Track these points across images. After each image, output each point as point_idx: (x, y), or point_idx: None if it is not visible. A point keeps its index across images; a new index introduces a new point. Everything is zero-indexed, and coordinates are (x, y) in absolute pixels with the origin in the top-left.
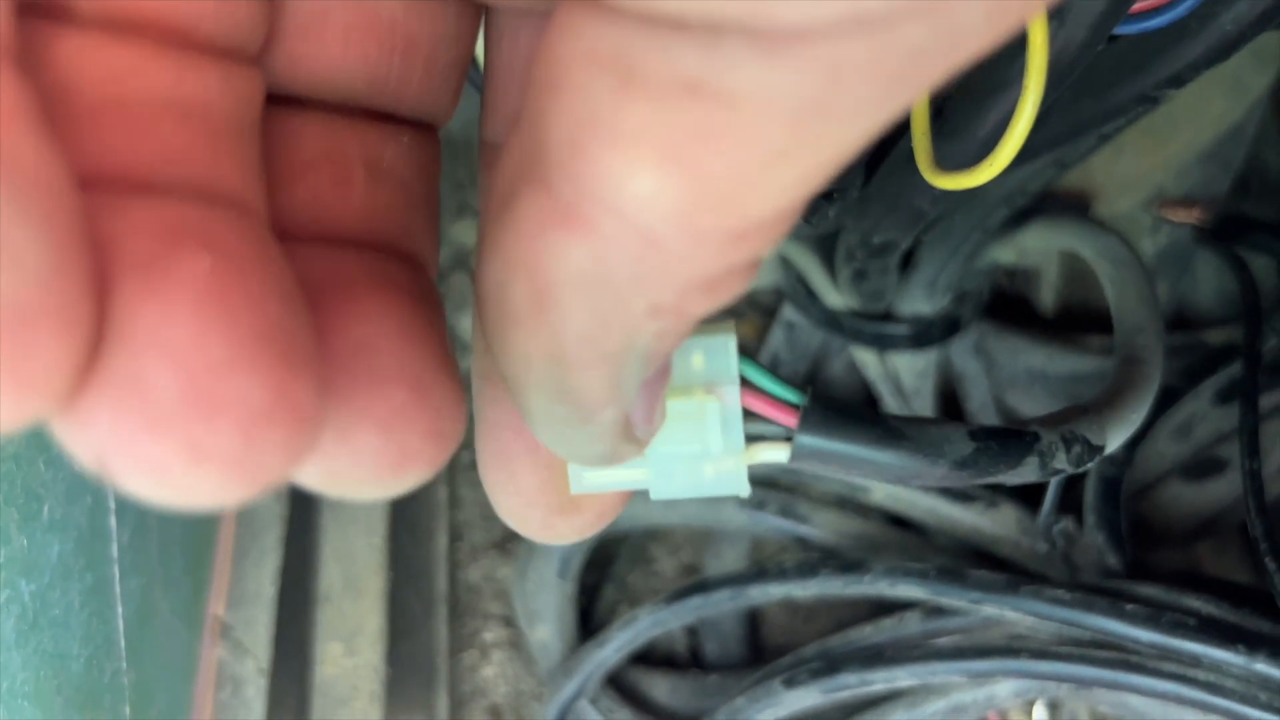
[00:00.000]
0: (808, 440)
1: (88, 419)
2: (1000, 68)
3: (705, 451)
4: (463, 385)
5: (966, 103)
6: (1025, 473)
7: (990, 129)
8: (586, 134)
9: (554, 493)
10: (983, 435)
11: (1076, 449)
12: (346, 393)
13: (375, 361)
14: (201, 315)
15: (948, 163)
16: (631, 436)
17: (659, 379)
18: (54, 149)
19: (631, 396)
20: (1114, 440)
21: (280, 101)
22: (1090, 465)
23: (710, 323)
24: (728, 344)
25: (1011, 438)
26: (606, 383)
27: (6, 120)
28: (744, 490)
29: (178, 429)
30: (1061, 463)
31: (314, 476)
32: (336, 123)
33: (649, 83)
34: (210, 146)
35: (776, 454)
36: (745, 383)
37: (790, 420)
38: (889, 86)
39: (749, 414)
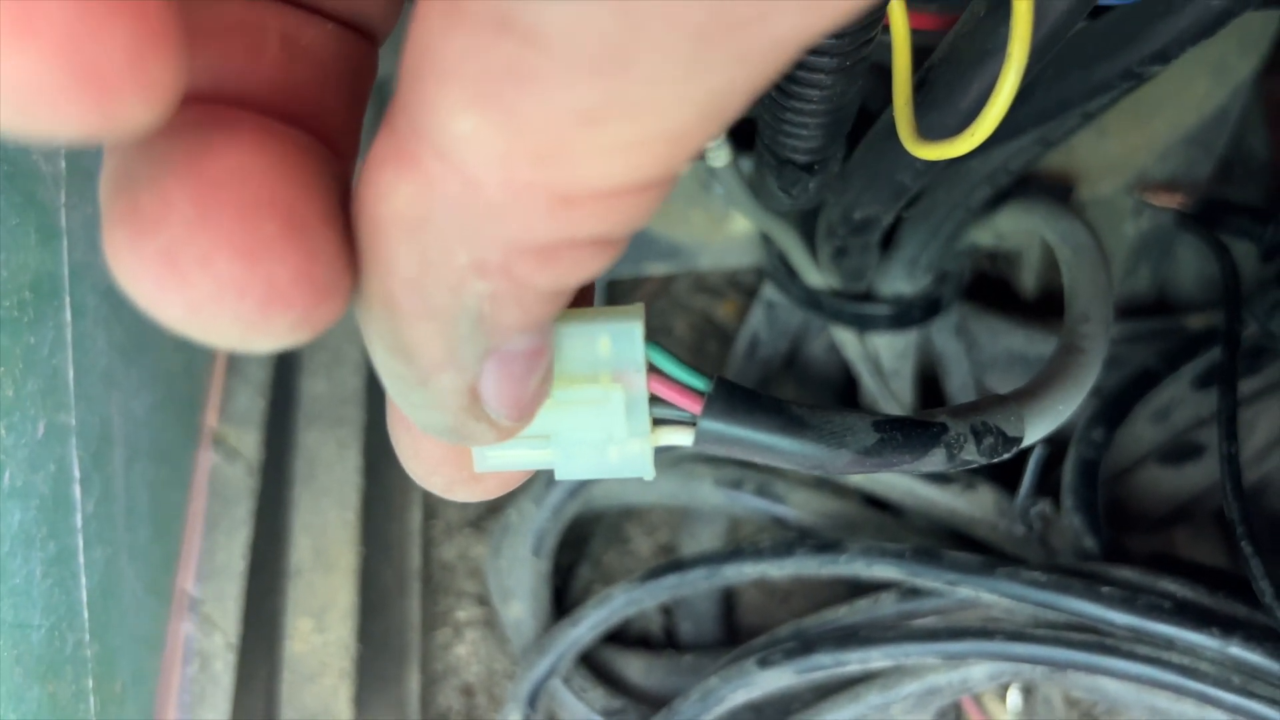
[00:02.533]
0: (711, 425)
1: None
2: (983, 37)
3: (610, 437)
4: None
5: (949, 73)
6: (932, 462)
7: (973, 99)
8: (418, 67)
9: (456, 464)
10: (887, 426)
11: (989, 440)
12: (212, 217)
13: (244, 188)
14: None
15: (930, 134)
16: (481, 414)
17: (523, 360)
18: None
19: (471, 365)
20: (1035, 432)
21: None
22: (1006, 456)
23: (620, 307)
24: (634, 330)
25: (916, 428)
26: (438, 341)
27: None
28: (649, 473)
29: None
30: (971, 454)
31: (177, 308)
32: (255, 3)
33: (468, 16)
34: None
35: (681, 437)
36: (652, 368)
37: (695, 407)
38: (696, 50)
39: (655, 398)
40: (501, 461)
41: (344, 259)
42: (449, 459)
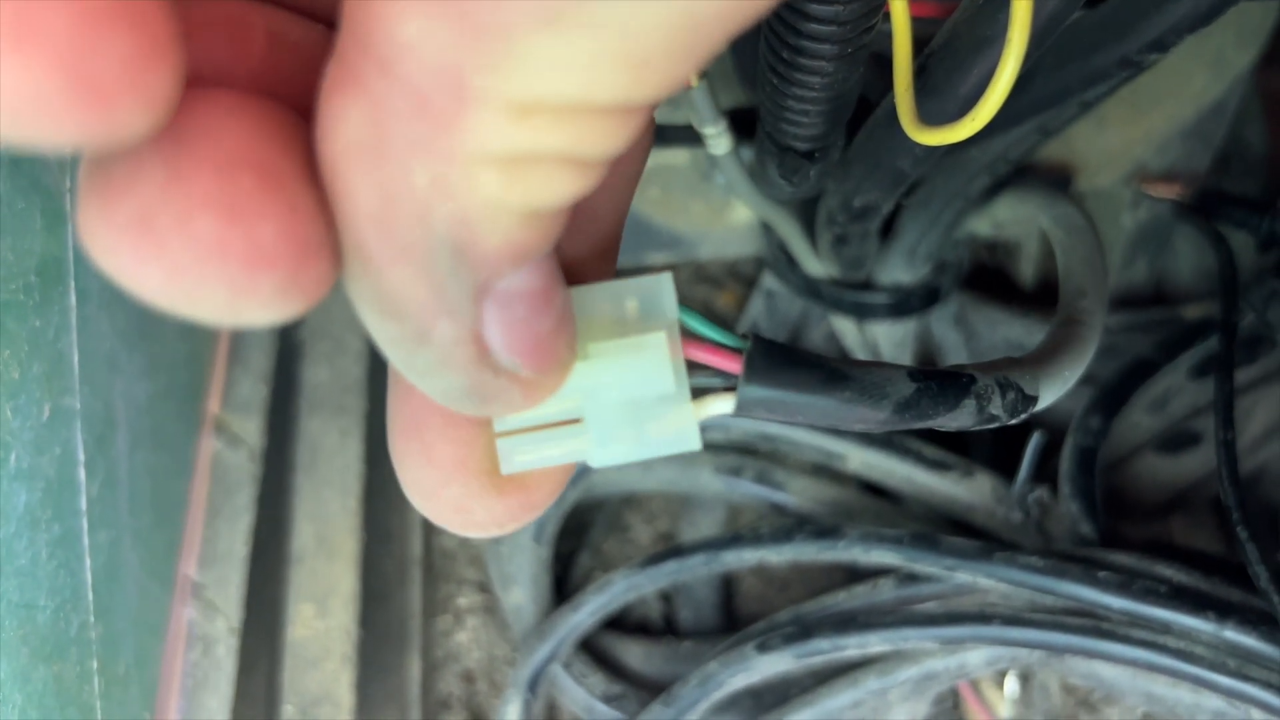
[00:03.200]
0: (753, 390)
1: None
2: (983, 23)
3: (653, 399)
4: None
5: (949, 60)
6: (962, 416)
7: (973, 86)
8: None
9: (473, 471)
10: (921, 376)
11: (1011, 395)
12: (186, 176)
13: (220, 146)
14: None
15: (930, 120)
16: (497, 368)
17: (526, 300)
18: None
19: (465, 307)
20: (1047, 394)
21: None
22: (1024, 415)
23: (648, 274)
24: (664, 285)
25: (950, 380)
26: (421, 283)
27: None
28: (695, 444)
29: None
30: (997, 408)
31: (155, 277)
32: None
33: None
34: None
35: (723, 404)
36: (686, 333)
37: (734, 367)
38: None
39: (689, 365)
40: (532, 458)
41: (328, 219)
42: (466, 462)
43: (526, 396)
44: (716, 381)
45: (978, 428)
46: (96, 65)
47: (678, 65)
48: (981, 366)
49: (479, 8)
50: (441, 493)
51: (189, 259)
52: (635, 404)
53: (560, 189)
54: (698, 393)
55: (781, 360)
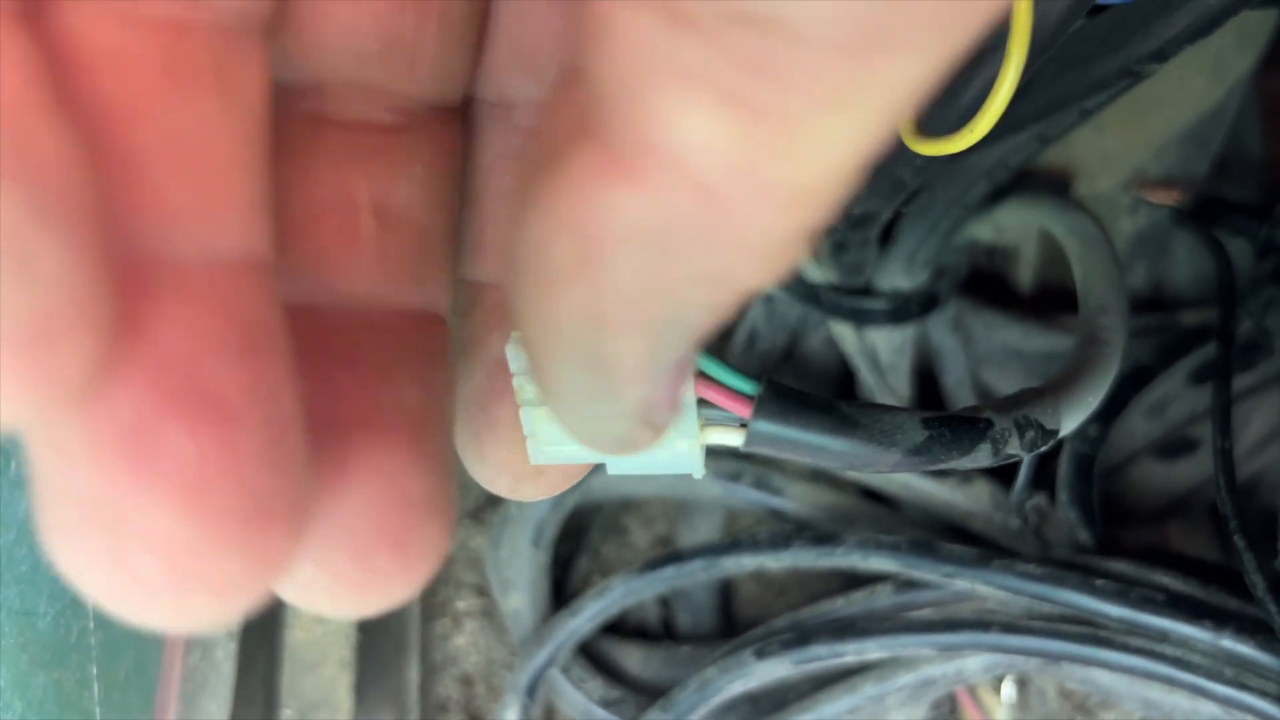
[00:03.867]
0: (763, 427)
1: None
2: (983, 35)
3: (660, 440)
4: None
5: (949, 71)
6: (978, 459)
7: (972, 96)
8: (637, 79)
9: (519, 465)
10: (936, 423)
11: (1030, 434)
12: (328, 540)
13: (364, 520)
14: (183, 500)
15: (929, 130)
16: (650, 422)
17: (686, 363)
18: (72, 135)
19: (663, 375)
20: (1069, 423)
21: (287, 111)
22: (1044, 449)
23: None
24: None
25: (965, 425)
26: (642, 355)
27: (17, 98)
28: (698, 472)
29: (155, 594)
30: (1015, 448)
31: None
32: (343, 164)
33: (698, 18)
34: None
35: (732, 438)
36: (700, 373)
37: (745, 410)
38: (943, 14)
39: (705, 402)
40: (555, 455)
41: (444, 532)
42: (511, 460)
43: (656, 439)
44: (734, 416)
45: (995, 465)
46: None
47: (914, 100)
48: (1002, 404)
49: (771, 103)
50: (495, 481)
51: (315, 586)
52: None
53: (792, 261)
54: (712, 423)
55: (792, 404)
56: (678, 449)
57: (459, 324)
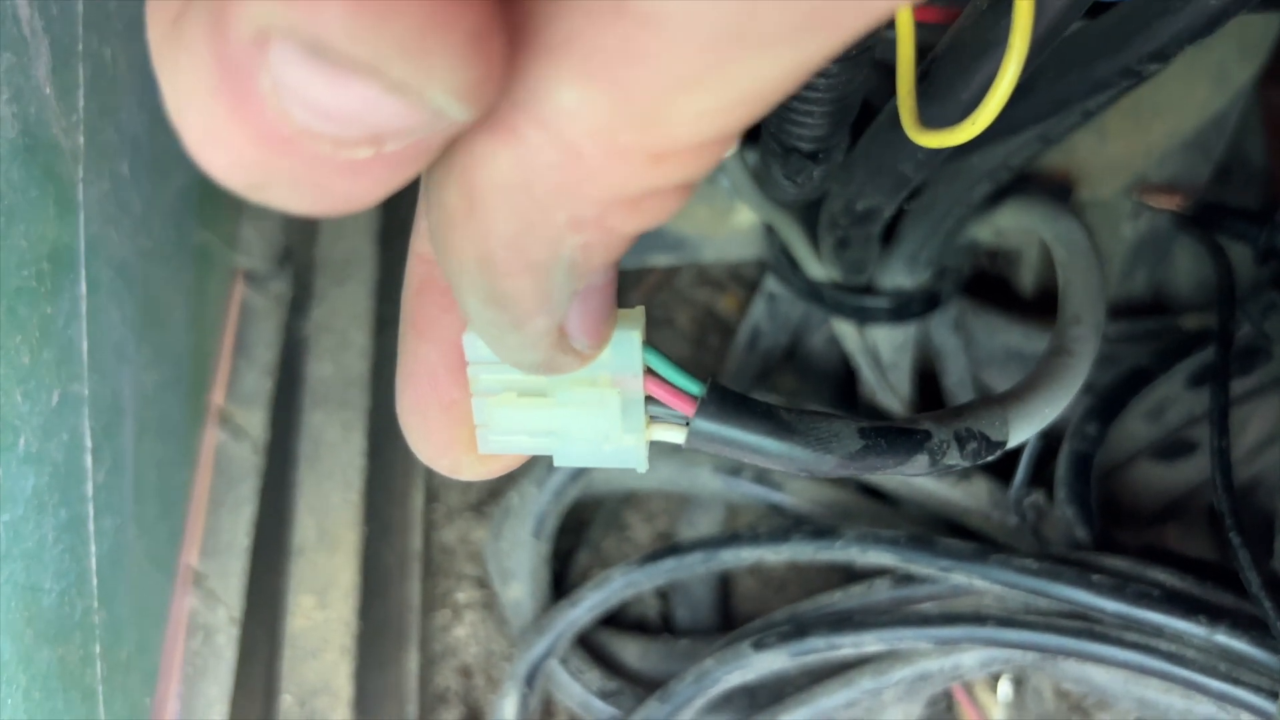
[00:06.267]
0: (703, 425)
1: None
2: (986, 30)
3: (606, 434)
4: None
5: (952, 65)
6: (915, 467)
7: (974, 91)
8: (523, 50)
9: (463, 446)
10: (871, 433)
11: (972, 445)
12: None
13: None
14: None
15: (932, 124)
16: (568, 348)
17: (599, 293)
18: None
19: (562, 308)
20: (1018, 435)
21: None
22: (990, 459)
23: (622, 310)
24: (633, 337)
25: (901, 435)
26: (535, 291)
27: None
28: (642, 466)
29: None
30: (954, 459)
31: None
32: None
33: (585, 3)
34: None
35: (674, 435)
36: (650, 371)
37: (689, 409)
38: (804, 24)
39: (651, 398)
40: (504, 445)
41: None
42: (457, 441)
43: (581, 365)
44: (678, 414)
45: (935, 474)
46: None
47: (791, 86)
48: (947, 415)
49: (634, 82)
50: (439, 460)
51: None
52: (595, 427)
53: (671, 210)
54: (657, 420)
55: (733, 406)
56: (624, 443)
57: (412, 300)
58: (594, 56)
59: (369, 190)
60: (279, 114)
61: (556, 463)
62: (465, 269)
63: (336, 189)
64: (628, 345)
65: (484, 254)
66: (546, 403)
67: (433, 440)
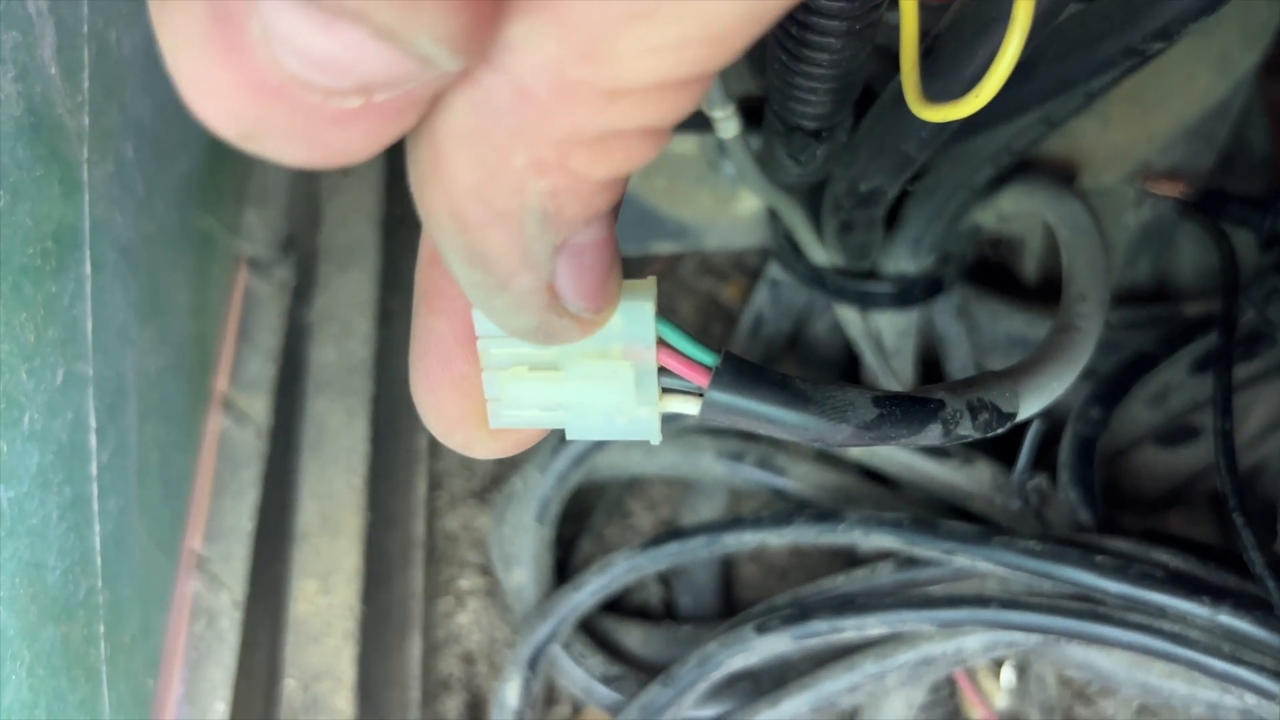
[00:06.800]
0: (717, 396)
1: None
2: (989, 6)
3: (619, 406)
4: None
5: (955, 41)
6: (929, 437)
7: (978, 66)
8: None
9: (475, 421)
10: (886, 401)
11: (984, 416)
12: None
13: None
14: None
15: (936, 99)
16: (563, 311)
17: (590, 251)
18: None
19: (544, 263)
20: (1028, 408)
21: None
22: (1001, 431)
23: (633, 281)
24: (646, 307)
25: (915, 404)
26: (510, 244)
27: None
28: (655, 438)
29: None
30: (966, 429)
31: None
32: None
33: None
34: None
35: (688, 406)
36: (662, 342)
37: (702, 380)
38: None
39: (664, 370)
40: (516, 419)
41: None
42: (469, 416)
43: (583, 332)
44: (692, 385)
45: (948, 445)
46: None
47: (751, 36)
48: (959, 386)
49: (576, 9)
50: (452, 436)
51: None
52: (608, 399)
53: (639, 156)
54: (670, 391)
55: (748, 376)
56: (638, 415)
57: (424, 274)
58: None
59: (361, 143)
60: (269, 61)
61: (569, 436)
62: (441, 225)
63: (328, 140)
64: (640, 316)
65: (453, 206)
66: (558, 376)
67: (445, 416)
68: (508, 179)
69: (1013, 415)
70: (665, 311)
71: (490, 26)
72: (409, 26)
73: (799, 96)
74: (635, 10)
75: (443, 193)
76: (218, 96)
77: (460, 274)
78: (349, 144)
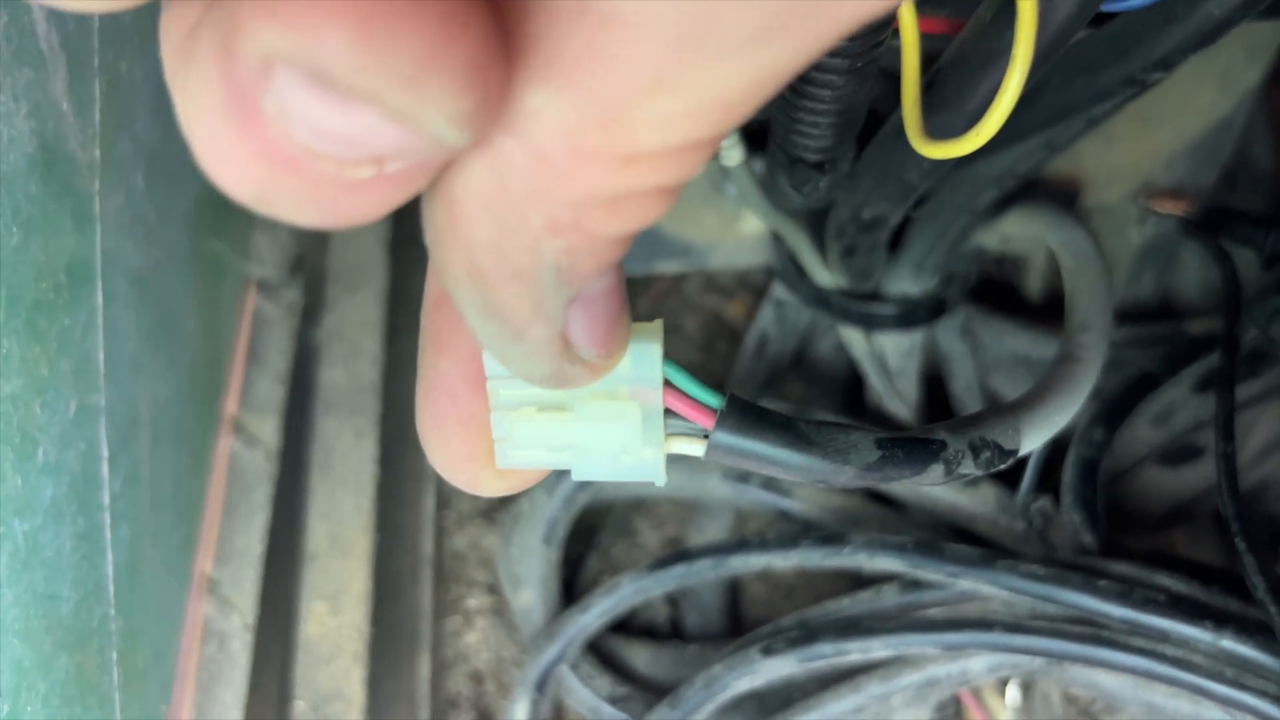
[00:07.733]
0: (723, 439)
1: None
2: (990, 41)
3: (625, 447)
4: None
5: (957, 75)
6: (931, 477)
7: (979, 101)
8: None
9: (482, 460)
10: (888, 443)
11: (986, 454)
12: None
13: None
14: None
15: (937, 134)
16: (576, 358)
17: (601, 301)
18: None
19: (558, 315)
20: (1030, 443)
21: None
22: (1003, 467)
23: (641, 324)
24: (653, 350)
25: (918, 445)
26: (526, 299)
27: None
28: (660, 479)
29: None
30: (969, 468)
31: None
32: None
33: (548, 4)
34: None
35: (693, 448)
36: (669, 384)
37: (708, 422)
38: (764, 32)
39: (670, 411)
40: (523, 459)
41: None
42: (476, 456)
43: (594, 377)
44: (697, 427)
45: (949, 483)
46: None
47: (762, 99)
48: (960, 424)
49: (597, 84)
50: (458, 475)
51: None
52: (615, 440)
53: (652, 213)
54: (675, 434)
55: (752, 418)
56: (643, 456)
57: (430, 315)
58: (557, 59)
59: (372, 206)
60: (283, 135)
61: (575, 476)
62: (458, 281)
63: (340, 205)
64: (647, 358)
65: (471, 264)
66: (566, 416)
67: (452, 455)
68: (524, 238)
69: (1014, 452)
70: (671, 330)
71: (501, 101)
72: (421, 108)
73: (802, 130)
74: (652, 82)
75: (460, 250)
76: (232, 164)
77: (475, 324)
78: (361, 207)
